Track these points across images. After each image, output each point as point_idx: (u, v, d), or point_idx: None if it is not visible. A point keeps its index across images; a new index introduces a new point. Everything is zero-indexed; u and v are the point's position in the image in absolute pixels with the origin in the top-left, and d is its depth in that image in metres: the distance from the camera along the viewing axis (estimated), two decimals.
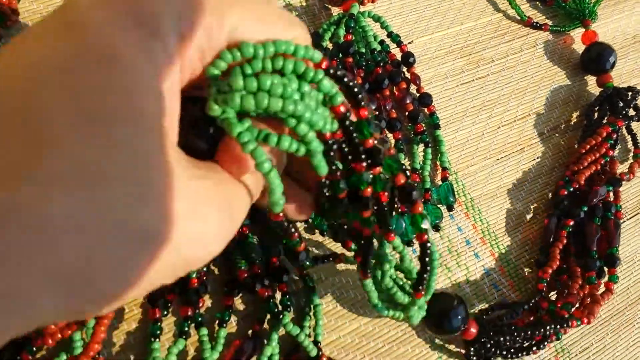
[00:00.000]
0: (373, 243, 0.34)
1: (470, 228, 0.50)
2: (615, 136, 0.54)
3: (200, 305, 0.40)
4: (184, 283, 0.39)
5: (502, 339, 0.44)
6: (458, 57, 0.56)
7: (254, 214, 0.40)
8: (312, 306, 0.42)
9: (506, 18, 0.60)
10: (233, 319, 0.41)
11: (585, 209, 0.50)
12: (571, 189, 0.51)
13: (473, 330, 0.44)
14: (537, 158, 0.55)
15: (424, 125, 0.50)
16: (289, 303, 0.41)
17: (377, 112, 0.49)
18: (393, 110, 0.50)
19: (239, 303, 0.42)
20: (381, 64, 0.50)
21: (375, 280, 0.36)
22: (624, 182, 0.52)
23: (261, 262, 0.41)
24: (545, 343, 0.45)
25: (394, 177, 0.32)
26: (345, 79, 0.29)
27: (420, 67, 0.54)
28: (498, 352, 0.45)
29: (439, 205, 0.49)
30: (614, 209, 0.51)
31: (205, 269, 0.40)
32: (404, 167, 0.34)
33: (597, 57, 0.58)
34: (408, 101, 0.50)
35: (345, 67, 0.49)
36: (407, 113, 0.50)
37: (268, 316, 0.41)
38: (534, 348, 0.45)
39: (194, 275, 0.39)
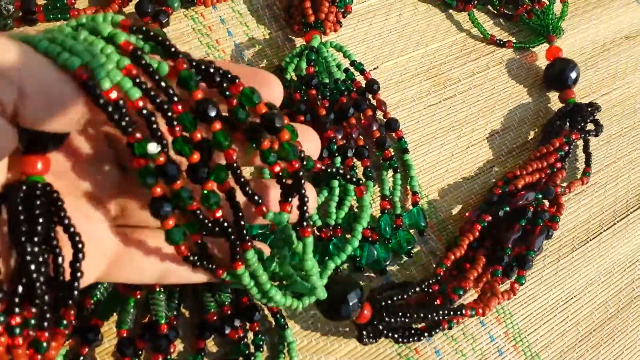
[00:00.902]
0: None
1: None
2: (567, 148, 0.54)
3: (172, 350, 0.40)
4: (154, 329, 0.39)
5: (392, 320, 0.43)
6: (424, 79, 0.56)
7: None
8: (285, 344, 0.42)
9: (471, 36, 0.60)
10: None
11: (507, 209, 0.49)
12: (506, 190, 0.50)
13: (367, 312, 0.43)
14: None
15: (392, 150, 0.51)
16: (261, 342, 0.41)
17: (344, 141, 0.49)
18: (360, 138, 0.50)
19: (211, 345, 0.42)
20: (346, 93, 0.50)
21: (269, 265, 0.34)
22: (595, 195, 0.52)
23: (231, 302, 0.41)
24: (437, 329, 0.44)
25: (254, 109, 0.29)
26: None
27: (387, 92, 0.55)
28: (390, 334, 0.44)
29: (410, 231, 0.49)
30: (548, 217, 0.51)
31: (175, 312, 0.40)
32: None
33: (559, 73, 0.58)
34: (375, 128, 0.51)
35: (309, 99, 0.49)
36: (374, 140, 0.50)
37: (240, 359, 0.41)
38: (425, 333, 0.44)
39: (164, 321, 0.39)
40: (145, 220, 0.32)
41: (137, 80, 0.26)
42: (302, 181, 0.30)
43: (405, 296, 0.45)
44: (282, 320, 0.42)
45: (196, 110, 0.27)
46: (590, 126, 0.57)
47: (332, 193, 0.47)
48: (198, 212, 0.28)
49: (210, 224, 0.29)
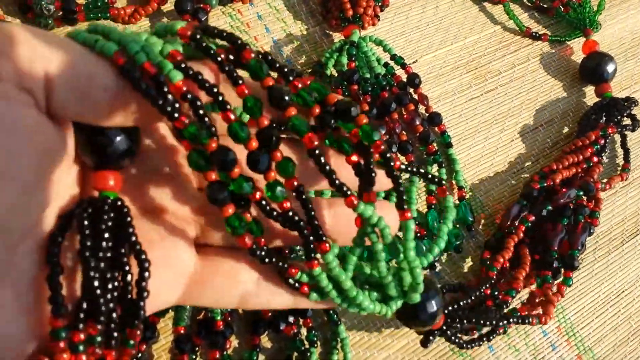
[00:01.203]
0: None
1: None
2: (603, 142, 0.52)
3: (228, 347, 0.39)
4: (210, 325, 0.39)
5: (461, 326, 0.42)
6: (464, 72, 0.56)
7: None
8: (338, 339, 0.41)
9: (509, 29, 0.59)
10: (261, 357, 0.40)
11: (550, 207, 0.48)
12: (544, 185, 0.49)
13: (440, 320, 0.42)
14: None
15: (435, 145, 0.50)
16: (315, 338, 0.41)
17: (387, 137, 0.48)
18: (403, 133, 0.49)
19: (265, 341, 0.41)
20: (387, 88, 0.50)
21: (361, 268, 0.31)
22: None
23: None
24: (495, 334, 0.44)
25: (323, 100, 0.27)
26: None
27: (427, 85, 0.54)
28: (456, 340, 0.43)
29: (457, 226, 0.48)
30: (589, 214, 0.49)
31: (229, 309, 0.40)
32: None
33: (595, 67, 0.57)
34: (417, 122, 0.50)
35: (351, 95, 0.49)
36: (417, 135, 0.50)
37: (296, 354, 0.40)
38: (484, 339, 0.44)
39: (219, 318, 0.39)
40: (225, 241, 0.30)
41: (182, 65, 0.24)
42: (391, 161, 0.28)
43: (469, 301, 0.44)
44: (335, 316, 0.41)
45: (269, 96, 0.26)
46: (627, 121, 0.56)
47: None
48: (263, 202, 0.27)
49: (279, 217, 0.27)
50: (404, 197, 0.28)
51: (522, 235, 0.47)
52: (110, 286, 0.25)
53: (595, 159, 0.52)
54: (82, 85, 0.23)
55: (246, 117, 0.26)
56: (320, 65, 0.51)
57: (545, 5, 0.62)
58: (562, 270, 0.47)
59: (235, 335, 0.40)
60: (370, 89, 0.49)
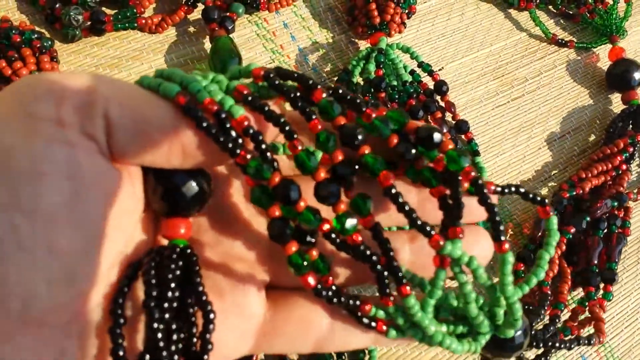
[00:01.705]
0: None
1: None
2: (632, 150, 0.52)
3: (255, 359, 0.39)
4: None
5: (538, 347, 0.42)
6: (491, 79, 0.55)
7: None
8: (366, 351, 0.41)
9: (535, 36, 0.59)
10: None
11: (588, 219, 0.48)
12: (573, 194, 0.49)
13: None
14: None
15: None
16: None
17: None
18: None
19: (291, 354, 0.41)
20: (414, 95, 0.50)
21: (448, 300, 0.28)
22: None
23: None
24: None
25: (402, 129, 0.26)
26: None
27: (454, 93, 0.54)
28: None
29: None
30: (620, 223, 0.49)
31: None
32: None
33: (622, 74, 0.57)
34: (445, 130, 0.50)
35: (378, 102, 0.48)
36: None
37: None
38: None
39: None
40: (298, 283, 0.28)
41: (250, 98, 0.24)
42: (484, 188, 0.25)
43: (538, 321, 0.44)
44: None
45: (341, 135, 0.25)
46: None
47: None
48: (333, 235, 0.25)
49: (349, 250, 0.25)
50: (501, 227, 0.25)
51: (563, 247, 0.47)
52: (174, 338, 0.24)
53: (624, 166, 0.51)
54: (142, 128, 0.23)
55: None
56: (346, 73, 0.50)
57: (571, 12, 0.61)
58: (602, 284, 0.47)
59: None
60: (397, 96, 0.49)
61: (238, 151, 0.23)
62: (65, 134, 0.22)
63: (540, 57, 0.58)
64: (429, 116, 0.50)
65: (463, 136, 0.51)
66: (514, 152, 0.53)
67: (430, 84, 0.51)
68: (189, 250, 0.25)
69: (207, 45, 0.49)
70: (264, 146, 0.24)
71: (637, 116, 0.55)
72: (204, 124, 0.23)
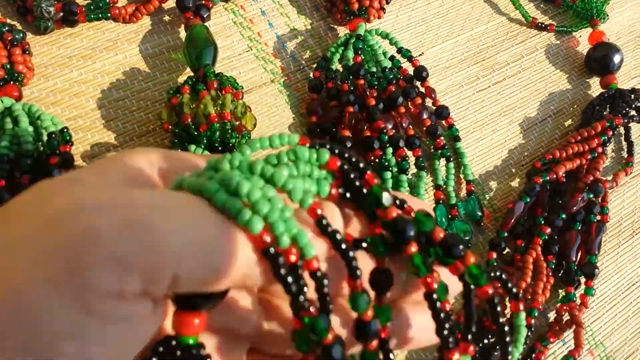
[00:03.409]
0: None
1: None
2: (610, 133, 0.51)
3: None
4: None
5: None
6: (472, 63, 0.55)
7: None
8: None
9: (515, 19, 0.59)
10: None
11: (564, 216, 0.47)
12: (547, 179, 0.48)
13: None
14: None
15: (443, 139, 0.49)
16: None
17: (393, 131, 0.48)
18: (410, 127, 0.48)
19: None
20: (393, 81, 0.49)
21: None
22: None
23: None
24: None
25: (431, 234, 0.26)
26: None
27: (434, 78, 0.53)
28: None
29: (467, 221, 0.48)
30: (599, 211, 0.49)
31: None
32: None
33: (601, 58, 0.56)
34: (425, 116, 0.49)
35: (357, 89, 0.48)
36: (425, 128, 0.49)
37: None
38: None
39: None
40: None
41: (328, 229, 0.24)
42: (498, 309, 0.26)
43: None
44: None
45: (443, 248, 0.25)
46: (632, 113, 0.54)
47: (385, 185, 0.46)
48: None
49: None
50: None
51: (539, 249, 0.46)
52: None
53: (600, 149, 0.51)
54: (211, 278, 0.21)
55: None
56: (325, 60, 0.50)
57: None
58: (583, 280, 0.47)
59: None
60: (376, 82, 0.49)
61: (301, 309, 0.23)
62: (124, 308, 0.20)
63: (522, 40, 0.57)
64: (408, 102, 0.49)
65: (444, 121, 0.51)
66: (495, 137, 0.52)
67: (411, 70, 0.50)
68: (202, 350, 0.23)
69: (183, 34, 0.49)
70: (327, 299, 0.23)
71: (615, 100, 0.54)
72: (282, 276, 0.22)
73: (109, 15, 0.47)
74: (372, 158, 0.47)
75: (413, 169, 0.48)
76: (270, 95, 0.49)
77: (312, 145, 0.26)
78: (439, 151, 0.49)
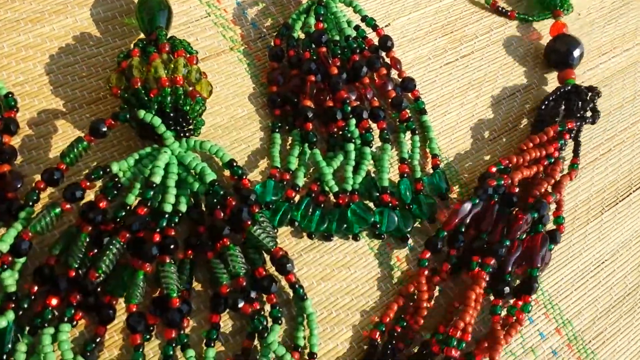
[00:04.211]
0: None
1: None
2: (568, 137, 0.48)
3: (185, 325, 0.37)
4: (165, 303, 0.36)
5: None
6: (439, 35, 0.53)
7: (234, 221, 0.38)
8: (305, 315, 0.39)
9: None
10: (222, 336, 0.38)
11: (508, 243, 0.43)
12: (501, 183, 0.44)
13: None
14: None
15: (409, 111, 0.48)
16: (279, 315, 0.38)
17: (358, 102, 0.46)
18: (375, 99, 0.47)
19: (226, 319, 0.39)
20: (358, 51, 0.47)
21: None
22: (623, 155, 0.49)
23: (245, 273, 0.38)
24: None
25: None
26: None
27: (400, 50, 0.51)
28: None
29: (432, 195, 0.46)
30: (548, 221, 0.46)
31: (187, 285, 0.38)
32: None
33: (560, 51, 0.53)
34: (390, 87, 0.48)
35: (320, 57, 0.46)
36: (389, 100, 0.47)
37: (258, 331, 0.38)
38: None
39: (175, 295, 0.36)
40: None
41: None
42: None
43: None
44: (301, 290, 0.39)
45: None
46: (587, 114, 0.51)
47: (347, 157, 0.44)
48: None
49: None
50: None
51: (483, 284, 0.42)
52: None
53: (556, 154, 0.48)
54: None
55: None
56: (286, 27, 0.48)
57: None
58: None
59: (194, 312, 0.38)
60: (340, 52, 0.47)
61: None
62: None
63: (491, 13, 0.56)
64: (373, 73, 0.48)
65: (409, 94, 0.49)
66: (462, 110, 0.51)
67: (376, 40, 0.49)
68: None
69: None
70: None
71: (571, 96, 0.51)
72: None
73: None
74: (335, 129, 0.45)
75: (377, 142, 0.46)
76: (230, 64, 0.47)
77: None
78: (405, 124, 0.47)
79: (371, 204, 0.45)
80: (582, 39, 0.57)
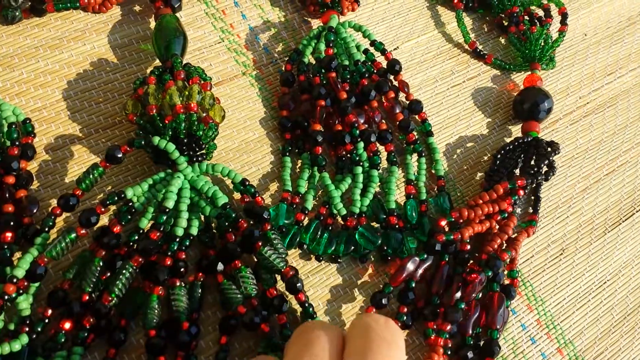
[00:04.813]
0: None
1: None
2: (522, 193, 0.47)
3: (193, 347, 0.39)
4: (174, 327, 0.38)
5: None
6: (447, 58, 0.55)
7: (245, 242, 0.39)
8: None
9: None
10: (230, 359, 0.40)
11: (462, 306, 0.42)
12: (451, 238, 0.44)
13: None
14: None
15: (416, 133, 0.49)
16: (290, 334, 0.40)
17: (366, 125, 0.47)
18: (383, 122, 0.48)
19: (239, 339, 0.40)
20: (366, 75, 0.49)
21: None
22: (627, 175, 0.49)
23: (257, 294, 0.40)
24: None
25: None
26: None
27: (409, 72, 0.53)
28: None
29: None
30: (503, 277, 0.45)
31: (198, 307, 0.39)
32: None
33: (528, 104, 0.52)
34: (397, 110, 0.49)
35: (329, 82, 0.47)
36: (397, 123, 0.49)
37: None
38: None
39: (184, 318, 0.38)
40: None
41: None
42: None
43: None
44: (311, 309, 0.41)
45: None
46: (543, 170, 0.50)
47: (355, 180, 0.46)
48: None
49: None
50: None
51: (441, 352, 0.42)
52: None
53: (510, 209, 0.47)
54: None
55: None
56: (297, 53, 0.49)
57: (505, 24, 0.57)
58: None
59: (205, 334, 0.40)
60: (349, 76, 0.48)
61: None
62: None
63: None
64: (382, 96, 0.49)
65: (417, 116, 0.50)
66: (468, 132, 0.52)
67: (384, 64, 0.50)
68: None
69: (154, 24, 0.48)
70: None
71: (530, 148, 0.50)
72: None
73: (78, 5, 0.46)
74: (343, 153, 0.46)
75: (385, 164, 0.48)
76: (242, 88, 0.48)
77: None
78: (411, 146, 0.49)
79: (377, 226, 0.46)
80: (589, 59, 0.58)
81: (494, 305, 0.43)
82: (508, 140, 0.52)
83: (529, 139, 0.50)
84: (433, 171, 0.49)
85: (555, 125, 0.55)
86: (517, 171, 0.49)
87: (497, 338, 0.43)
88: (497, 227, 0.47)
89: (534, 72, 0.55)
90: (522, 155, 0.50)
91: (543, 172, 0.49)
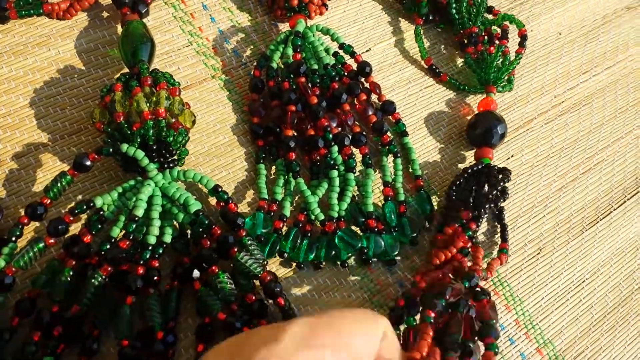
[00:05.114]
0: None
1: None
2: (474, 226, 0.46)
3: (170, 354, 0.38)
4: (149, 336, 0.37)
5: None
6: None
7: (221, 248, 0.39)
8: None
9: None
10: None
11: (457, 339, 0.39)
12: (410, 296, 0.42)
13: None
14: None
15: (390, 134, 0.48)
16: None
17: (339, 129, 0.47)
18: (356, 124, 0.47)
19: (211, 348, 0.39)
20: (337, 78, 0.48)
21: None
22: (603, 173, 0.49)
23: (236, 300, 0.39)
24: None
25: None
26: None
27: (381, 74, 0.52)
28: None
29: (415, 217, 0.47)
30: (468, 307, 0.41)
31: (173, 315, 0.38)
32: None
33: (481, 130, 0.50)
34: (370, 112, 0.48)
35: (299, 87, 0.47)
36: (371, 125, 0.48)
37: None
38: None
39: (158, 327, 0.37)
40: None
41: None
42: None
43: None
44: (292, 313, 0.40)
45: None
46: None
47: (332, 184, 0.45)
48: None
49: None
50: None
51: None
52: None
53: (468, 244, 0.46)
54: None
55: None
56: (265, 58, 0.49)
57: (466, 42, 0.56)
58: None
59: (184, 342, 0.39)
60: (318, 80, 0.48)
61: None
62: None
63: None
64: (354, 99, 0.48)
65: (390, 117, 0.50)
66: (442, 133, 0.51)
67: (355, 66, 0.49)
68: None
69: (121, 29, 0.47)
70: None
71: (481, 176, 0.49)
72: None
73: (42, 11, 0.45)
74: (318, 157, 0.46)
75: (360, 167, 0.47)
76: (211, 92, 0.48)
77: None
78: (386, 147, 0.48)
79: (357, 229, 0.45)
80: (563, 58, 0.58)
81: (486, 308, 0.41)
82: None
83: (480, 167, 0.49)
84: (410, 171, 0.48)
85: (530, 124, 0.54)
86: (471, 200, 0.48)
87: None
88: (469, 261, 0.45)
89: (489, 95, 0.53)
90: (474, 185, 0.48)
91: (493, 198, 0.48)
